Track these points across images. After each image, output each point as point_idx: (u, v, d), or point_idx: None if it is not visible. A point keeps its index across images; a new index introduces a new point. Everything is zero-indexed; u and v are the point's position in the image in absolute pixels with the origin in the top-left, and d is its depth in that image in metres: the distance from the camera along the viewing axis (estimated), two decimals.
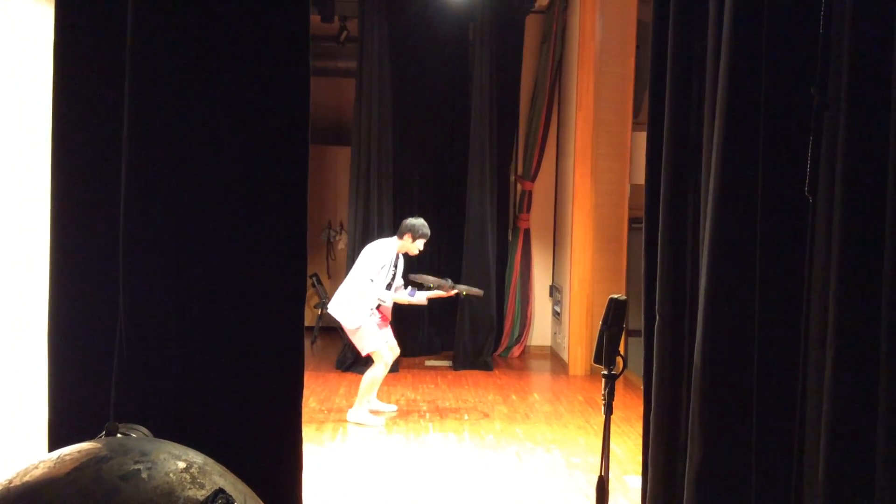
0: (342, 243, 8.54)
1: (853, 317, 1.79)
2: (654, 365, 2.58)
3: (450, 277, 5.96)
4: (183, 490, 0.61)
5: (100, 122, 2.08)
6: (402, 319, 7.56)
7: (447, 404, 5.94)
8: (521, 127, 7.90)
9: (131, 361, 2.02)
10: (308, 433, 5.02)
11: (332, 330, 8.33)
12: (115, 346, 2.04)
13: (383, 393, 6.02)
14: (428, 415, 5.64)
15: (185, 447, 0.68)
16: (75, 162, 2.07)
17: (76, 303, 2.06)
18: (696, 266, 2.47)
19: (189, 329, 2.09)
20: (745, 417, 2.17)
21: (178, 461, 0.64)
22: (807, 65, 2.01)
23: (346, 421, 5.38)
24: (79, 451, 0.64)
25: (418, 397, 6.13)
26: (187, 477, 0.62)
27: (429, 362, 7.42)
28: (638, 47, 6.94)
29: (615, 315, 2.53)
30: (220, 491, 0.62)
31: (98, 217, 2.07)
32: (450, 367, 7.18)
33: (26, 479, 0.60)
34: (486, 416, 5.63)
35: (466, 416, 5.61)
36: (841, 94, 1.85)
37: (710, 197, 2.25)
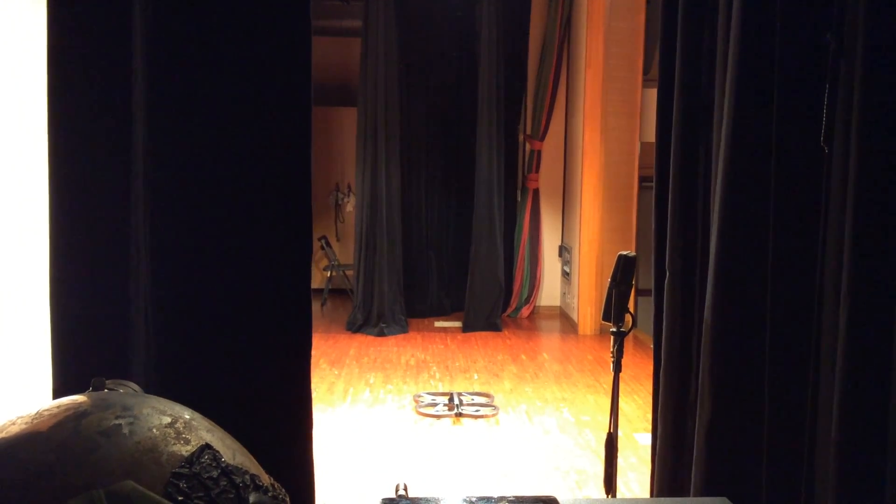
0: (350, 205, 8.51)
1: (868, 270, 1.75)
2: (664, 321, 2.56)
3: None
4: (167, 446, 0.58)
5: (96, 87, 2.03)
6: (412, 281, 7.57)
7: (457, 364, 5.96)
8: (530, 85, 7.80)
9: (141, 326, 2.01)
10: (319, 393, 5.05)
11: (343, 292, 8.36)
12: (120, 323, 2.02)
13: (393, 356, 6.04)
14: (438, 375, 5.65)
15: (172, 402, 0.66)
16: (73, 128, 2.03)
17: (78, 289, 2.03)
18: (706, 222, 2.43)
19: (193, 292, 2.08)
20: (756, 374, 2.15)
21: (163, 416, 0.62)
22: (822, 11, 1.94)
23: (356, 381, 5.40)
24: (58, 407, 0.62)
25: (428, 358, 6.15)
26: (171, 432, 0.60)
27: (438, 323, 7.43)
28: (648, 1, 6.80)
29: (624, 272, 2.50)
30: (207, 446, 0.60)
31: (96, 198, 2.03)
32: (459, 328, 7.18)
33: (3, 435, 0.58)
34: (496, 375, 5.64)
35: (476, 376, 5.62)
36: (857, 41, 1.79)
37: (723, 150, 2.20)
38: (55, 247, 1.98)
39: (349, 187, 8.58)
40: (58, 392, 1.98)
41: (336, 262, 8.30)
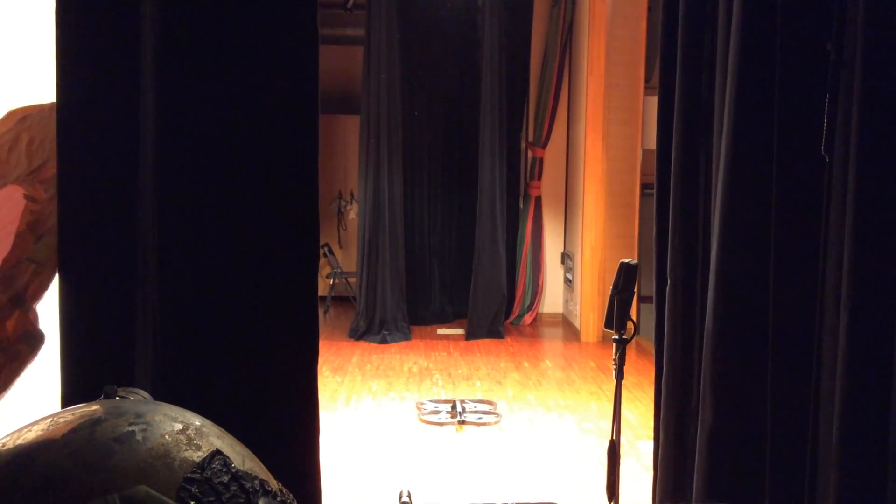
0: (353, 213, 8.53)
1: (868, 276, 1.76)
2: (666, 328, 2.57)
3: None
4: (179, 452, 0.60)
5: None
6: (416, 288, 7.58)
7: (460, 372, 5.96)
8: (532, 93, 7.82)
9: (151, 332, 2.03)
10: (321, 400, 5.05)
11: (345, 300, 8.37)
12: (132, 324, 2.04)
13: (395, 363, 6.04)
14: (440, 382, 5.66)
15: (183, 409, 0.68)
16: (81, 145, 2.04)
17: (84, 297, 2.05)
18: (707, 229, 2.44)
19: (203, 300, 2.09)
20: (758, 380, 2.16)
21: (175, 423, 0.63)
22: (822, 20, 1.96)
23: (358, 388, 5.41)
24: (73, 414, 0.63)
25: (430, 365, 6.15)
26: (183, 439, 0.61)
27: (441, 330, 7.44)
28: (650, 9, 6.82)
29: (626, 280, 2.50)
30: (217, 452, 0.61)
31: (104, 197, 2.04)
32: (462, 335, 7.19)
33: (19, 441, 0.60)
34: (499, 383, 5.65)
35: (479, 384, 5.62)
36: (856, 51, 1.81)
37: (723, 157, 2.22)
38: (62, 253, 2.00)
39: (352, 195, 8.61)
40: (66, 398, 2.00)
41: (339, 270, 8.31)
